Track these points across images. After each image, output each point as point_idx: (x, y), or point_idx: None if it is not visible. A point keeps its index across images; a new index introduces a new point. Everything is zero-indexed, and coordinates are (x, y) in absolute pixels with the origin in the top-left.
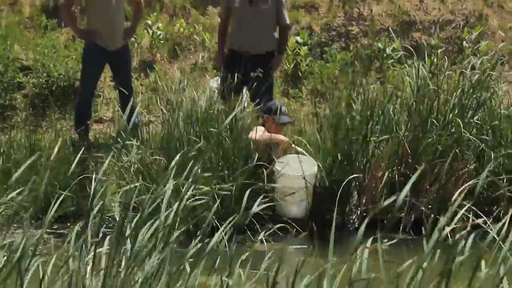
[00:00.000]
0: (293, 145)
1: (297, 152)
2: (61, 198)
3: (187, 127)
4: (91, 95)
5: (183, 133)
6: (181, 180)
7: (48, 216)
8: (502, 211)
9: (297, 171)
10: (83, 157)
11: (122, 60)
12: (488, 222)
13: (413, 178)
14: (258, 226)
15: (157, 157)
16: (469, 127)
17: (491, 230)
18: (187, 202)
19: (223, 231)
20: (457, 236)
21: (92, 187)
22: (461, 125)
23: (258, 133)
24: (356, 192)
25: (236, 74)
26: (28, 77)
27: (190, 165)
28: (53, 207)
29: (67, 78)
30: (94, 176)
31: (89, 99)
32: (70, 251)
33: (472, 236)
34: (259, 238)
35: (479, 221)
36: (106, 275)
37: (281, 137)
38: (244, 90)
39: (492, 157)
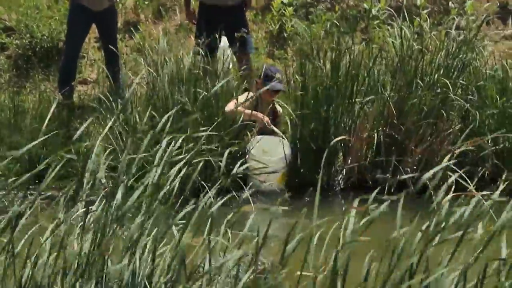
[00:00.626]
0: (271, 126)
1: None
2: (57, 167)
3: (173, 88)
4: (76, 56)
5: (168, 93)
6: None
7: (44, 181)
8: (486, 172)
9: (268, 154)
10: (68, 119)
11: (108, 21)
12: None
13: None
14: (244, 186)
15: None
16: (454, 88)
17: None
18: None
19: (210, 192)
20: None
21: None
22: (448, 85)
23: (236, 102)
24: (341, 153)
25: (209, 30)
26: (11, 38)
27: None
28: (49, 174)
29: (51, 39)
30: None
31: (74, 60)
32: (59, 214)
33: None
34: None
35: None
36: (95, 234)
37: (260, 115)
38: (222, 43)
39: (477, 117)
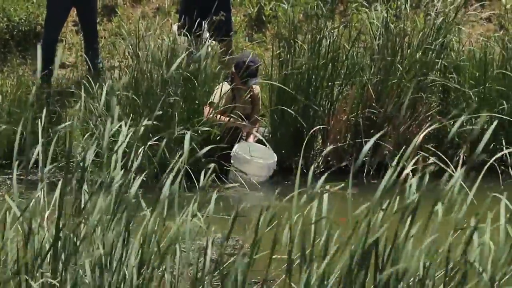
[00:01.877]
0: (256, 134)
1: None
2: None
3: (152, 72)
4: (55, 40)
5: (149, 77)
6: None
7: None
8: (465, 154)
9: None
10: (47, 103)
11: (88, 4)
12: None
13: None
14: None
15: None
16: (433, 70)
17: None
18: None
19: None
20: (414, 177)
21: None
22: (427, 66)
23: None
24: (320, 137)
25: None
26: None
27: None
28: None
29: (28, 23)
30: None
31: (53, 44)
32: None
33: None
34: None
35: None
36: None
37: (245, 126)
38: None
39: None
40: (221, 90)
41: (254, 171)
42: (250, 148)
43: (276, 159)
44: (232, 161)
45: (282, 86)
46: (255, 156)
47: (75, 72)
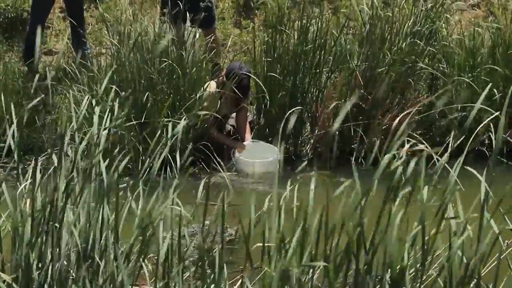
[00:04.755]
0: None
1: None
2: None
3: (138, 58)
4: (41, 27)
5: (134, 64)
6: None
7: None
8: (453, 141)
9: (258, 157)
10: (34, 90)
11: None
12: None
13: None
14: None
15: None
16: (422, 57)
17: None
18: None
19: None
20: (399, 162)
21: None
22: (416, 53)
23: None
24: (308, 124)
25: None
26: None
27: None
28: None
29: (15, 10)
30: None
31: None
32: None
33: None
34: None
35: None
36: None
37: (238, 144)
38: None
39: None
40: (210, 89)
41: (259, 171)
42: (250, 148)
43: (278, 153)
44: (234, 164)
45: (262, 85)
46: (256, 158)
47: (61, 59)
